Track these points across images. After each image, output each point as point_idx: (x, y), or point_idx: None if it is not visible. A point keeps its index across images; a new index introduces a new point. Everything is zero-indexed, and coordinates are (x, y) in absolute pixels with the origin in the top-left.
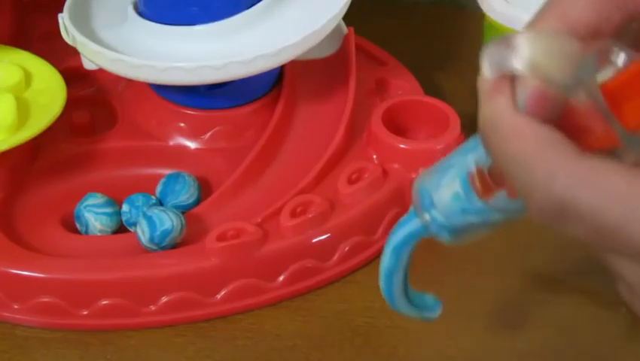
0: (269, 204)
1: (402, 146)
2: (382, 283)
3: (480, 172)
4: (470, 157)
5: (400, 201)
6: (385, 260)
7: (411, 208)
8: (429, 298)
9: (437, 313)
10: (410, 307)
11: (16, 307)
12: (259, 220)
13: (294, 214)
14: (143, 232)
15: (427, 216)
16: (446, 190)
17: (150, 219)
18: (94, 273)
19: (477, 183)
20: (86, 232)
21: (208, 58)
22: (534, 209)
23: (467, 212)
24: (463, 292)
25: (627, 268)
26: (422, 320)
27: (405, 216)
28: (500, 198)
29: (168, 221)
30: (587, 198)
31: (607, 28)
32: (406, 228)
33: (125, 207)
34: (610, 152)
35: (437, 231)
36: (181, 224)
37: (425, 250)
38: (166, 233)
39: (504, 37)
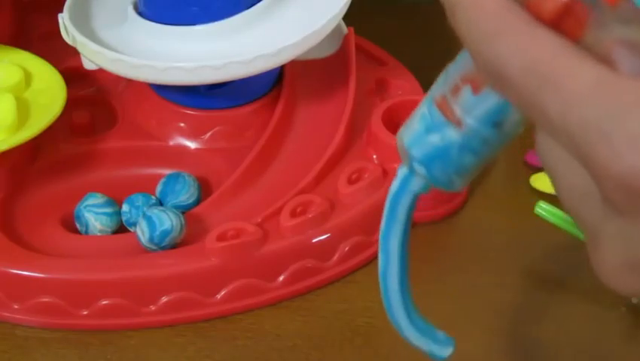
0: (269, 204)
1: None
2: (381, 273)
3: (442, 96)
4: (433, 90)
5: None
6: (382, 227)
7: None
8: (441, 333)
9: (446, 353)
10: (411, 325)
11: (16, 307)
12: (259, 220)
13: (294, 214)
14: (143, 232)
15: (408, 160)
16: (415, 122)
17: (149, 220)
18: (94, 273)
19: (440, 101)
20: (86, 232)
21: (208, 58)
22: (479, 63)
23: (431, 130)
24: (463, 292)
25: (550, 149)
26: (426, 352)
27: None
28: (464, 98)
29: (167, 221)
30: (520, 61)
31: None
32: (394, 186)
33: (125, 207)
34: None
35: (419, 169)
36: (181, 224)
37: (426, 251)
38: (165, 233)
39: None
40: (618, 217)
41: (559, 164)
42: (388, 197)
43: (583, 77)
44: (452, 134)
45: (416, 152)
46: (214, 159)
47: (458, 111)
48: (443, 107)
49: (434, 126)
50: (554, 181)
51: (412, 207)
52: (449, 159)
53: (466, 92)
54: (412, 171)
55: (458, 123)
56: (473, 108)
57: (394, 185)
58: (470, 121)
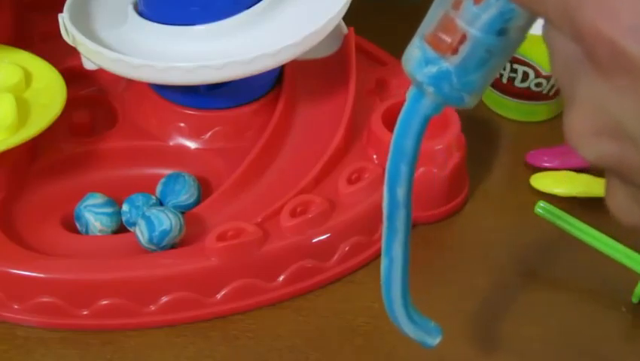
0: (269, 204)
1: None
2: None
3: (431, 34)
4: (422, 27)
5: None
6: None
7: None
8: (432, 323)
9: (436, 340)
10: (408, 320)
11: (16, 307)
12: (259, 220)
13: (294, 214)
14: (142, 233)
15: (415, 82)
16: (414, 51)
17: (148, 220)
18: (94, 273)
19: (430, 37)
20: (86, 232)
21: (208, 58)
22: None
23: (428, 62)
24: (464, 292)
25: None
26: (417, 340)
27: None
28: (466, 10)
29: (166, 221)
30: None
31: None
32: (405, 108)
33: (125, 207)
34: None
35: (428, 89)
36: (180, 224)
37: (426, 251)
38: (164, 233)
39: None
40: (594, 78)
41: (556, 42)
42: (398, 121)
43: None
44: (448, 66)
45: (421, 77)
46: (214, 159)
47: (461, 25)
48: (434, 42)
49: (429, 60)
50: (552, 60)
51: (422, 132)
52: (453, 81)
53: (468, 4)
54: (421, 90)
55: (453, 51)
56: (476, 19)
57: (405, 107)
58: (474, 32)
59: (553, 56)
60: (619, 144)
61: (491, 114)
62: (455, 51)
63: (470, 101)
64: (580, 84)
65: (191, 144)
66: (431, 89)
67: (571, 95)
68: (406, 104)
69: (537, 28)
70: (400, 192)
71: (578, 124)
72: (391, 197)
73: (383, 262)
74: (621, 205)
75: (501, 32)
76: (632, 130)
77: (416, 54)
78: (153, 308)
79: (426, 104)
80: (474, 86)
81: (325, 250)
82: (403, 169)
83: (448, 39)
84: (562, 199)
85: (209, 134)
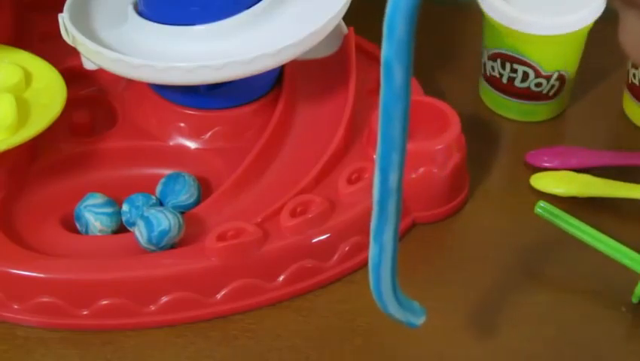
0: (269, 204)
1: None
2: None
3: None
4: None
5: None
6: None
7: None
8: (416, 304)
9: (421, 319)
10: (397, 303)
11: (16, 307)
12: (259, 220)
13: (294, 214)
14: (141, 233)
15: None
16: None
17: (147, 220)
18: (94, 273)
19: None
20: (86, 232)
21: (208, 58)
22: None
23: None
24: (464, 291)
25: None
26: (405, 324)
27: None
28: None
29: (165, 221)
30: None
31: None
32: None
33: (125, 207)
34: None
35: None
36: (179, 224)
37: (426, 251)
38: (163, 233)
39: None
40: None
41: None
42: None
43: None
44: None
45: None
46: (214, 159)
47: None
48: None
49: None
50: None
51: (413, 23)
52: None
53: None
54: None
55: None
56: None
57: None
58: None
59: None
60: None
61: (491, 114)
62: None
63: None
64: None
65: (191, 144)
66: None
67: (622, 20)
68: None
69: (537, 28)
70: (393, 178)
71: (628, 39)
72: (383, 183)
73: (373, 248)
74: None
75: None
76: None
77: None
78: (153, 308)
79: None
80: None
81: (325, 250)
82: (395, 156)
83: None
84: (562, 199)
85: (209, 134)
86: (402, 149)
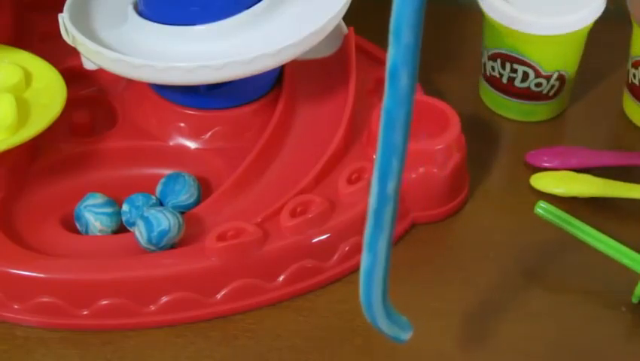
0: (269, 204)
1: None
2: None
3: None
4: None
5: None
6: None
7: None
8: (403, 318)
9: (408, 334)
10: (385, 316)
11: (16, 307)
12: (259, 220)
13: (294, 214)
14: (140, 233)
15: None
16: None
17: (147, 220)
18: (94, 273)
19: None
20: (86, 232)
21: (208, 58)
22: None
23: None
24: (464, 291)
25: None
26: (390, 336)
27: None
28: None
29: (165, 221)
30: None
31: None
32: None
33: (125, 207)
34: None
35: None
36: (179, 224)
37: (426, 251)
38: (163, 233)
39: None
40: None
41: None
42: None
43: None
44: None
45: None
46: (214, 159)
47: None
48: None
49: None
50: None
51: (419, 27)
52: None
53: None
54: None
55: None
56: None
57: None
58: None
59: None
60: None
61: (491, 114)
62: None
63: None
64: None
65: (191, 144)
66: None
67: None
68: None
69: (537, 28)
70: (391, 186)
71: None
72: (381, 191)
73: (366, 257)
74: None
75: None
76: None
77: None
78: (153, 308)
79: None
80: None
81: (325, 250)
82: (395, 163)
83: None
84: (562, 199)
85: (209, 134)
86: (402, 155)
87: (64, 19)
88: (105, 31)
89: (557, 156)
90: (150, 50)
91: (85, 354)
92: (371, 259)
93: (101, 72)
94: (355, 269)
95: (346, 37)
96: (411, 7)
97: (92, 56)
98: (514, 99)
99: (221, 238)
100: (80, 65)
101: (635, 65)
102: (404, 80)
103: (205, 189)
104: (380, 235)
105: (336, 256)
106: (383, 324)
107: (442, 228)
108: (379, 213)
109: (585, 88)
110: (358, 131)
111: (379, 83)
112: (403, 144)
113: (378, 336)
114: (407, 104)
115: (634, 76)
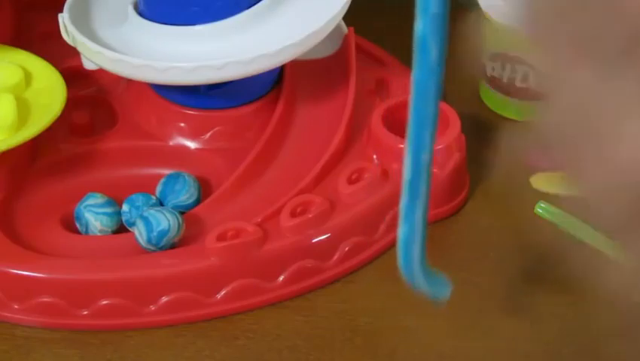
0: (269, 204)
1: (402, 146)
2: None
3: None
4: None
5: None
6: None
7: None
8: (442, 277)
9: (447, 293)
10: (424, 280)
11: (16, 307)
12: (259, 220)
13: (294, 214)
14: (140, 234)
15: None
16: None
17: (146, 220)
18: (94, 273)
19: None
20: (86, 232)
21: (208, 58)
22: None
23: None
24: (464, 291)
25: None
26: (431, 296)
27: None
28: None
29: (164, 221)
30: None
31: None
32: None
33: (125, 207)
34: None
35: None
36: (178, 224)
37: (428, 251)
38: (162, 233)
39: None
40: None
41: None
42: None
43: None
44: None
45: None
46: (214, 159)
47: None
48: None
49: None
50: None
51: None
52: None
53: None
54: None
55: None
56: None
57: None
58: None
59: None
60: None
61: (491, 114)
62: None
63: None
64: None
65: (191, 144)
66: None
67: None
68: None
69: None
70: (425, 158)
71: None
72: (415, 163)
73: (402, 228)
74: None
75: None
76: None
77: None
78: (153, 308)
79: None
80: None
81: (325, 250)
82: (427, 134)
83: None
84: (562, 199)
85: (209, 134)
86: (434, 126)
87: (64, 19)
88: (105, 31)
89: None
90: (151, 50)
91: (85, 354)
92: (408, 228)
93: (101, 72)
94: (356, 269)
95: (346, 37)
96: None
97: (93, 56)
98: (514, 99)
99: (221, 238)
100: (80, 65)
101: None
102: (434, 50)
103: (205, 189)
104: (416, 205)
105: (336, 256)
106: (424, 287)
107: (442, 228)
108: (414, 184)
109: None
110: (358, 131)
111: (379, 83)
112: (434, 114)
113: (378, 336)
114: (437, 74)
115: None
